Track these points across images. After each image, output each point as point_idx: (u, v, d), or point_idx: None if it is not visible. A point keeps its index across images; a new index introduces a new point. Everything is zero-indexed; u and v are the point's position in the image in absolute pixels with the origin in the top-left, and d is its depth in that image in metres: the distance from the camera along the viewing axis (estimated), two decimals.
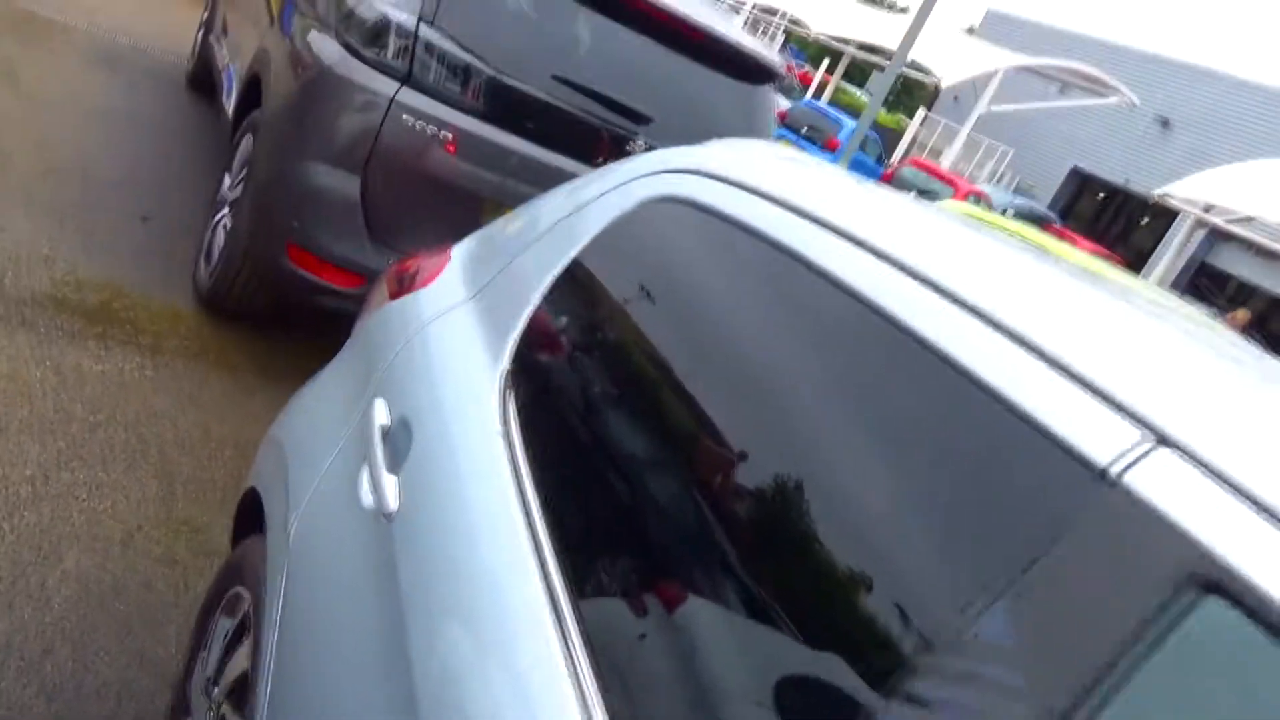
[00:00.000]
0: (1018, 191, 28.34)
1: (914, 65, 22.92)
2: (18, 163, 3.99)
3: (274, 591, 1.46)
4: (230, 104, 4.18)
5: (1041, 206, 25.16)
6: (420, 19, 3.05)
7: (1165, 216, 25.01)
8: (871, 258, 1.06)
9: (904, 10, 53.16)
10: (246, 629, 1.65)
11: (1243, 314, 17.03)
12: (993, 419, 0.82)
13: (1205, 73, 28.28)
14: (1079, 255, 6.79)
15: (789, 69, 30.39)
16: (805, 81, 29.96)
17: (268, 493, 1.61)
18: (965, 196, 16.85)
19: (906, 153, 24.35)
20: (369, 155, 3.04)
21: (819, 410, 1.04)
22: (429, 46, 3.05)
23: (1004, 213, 16.17)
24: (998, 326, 0.88)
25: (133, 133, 4.95)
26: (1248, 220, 17.13)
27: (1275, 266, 25.41)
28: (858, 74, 44.73)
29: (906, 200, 1.39)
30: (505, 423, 1.22)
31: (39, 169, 4.03)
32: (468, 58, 3.07)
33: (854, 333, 1.04)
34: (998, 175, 30.40)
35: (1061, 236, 14.79)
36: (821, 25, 25.21)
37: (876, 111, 9.73)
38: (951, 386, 0.86)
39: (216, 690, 1.68)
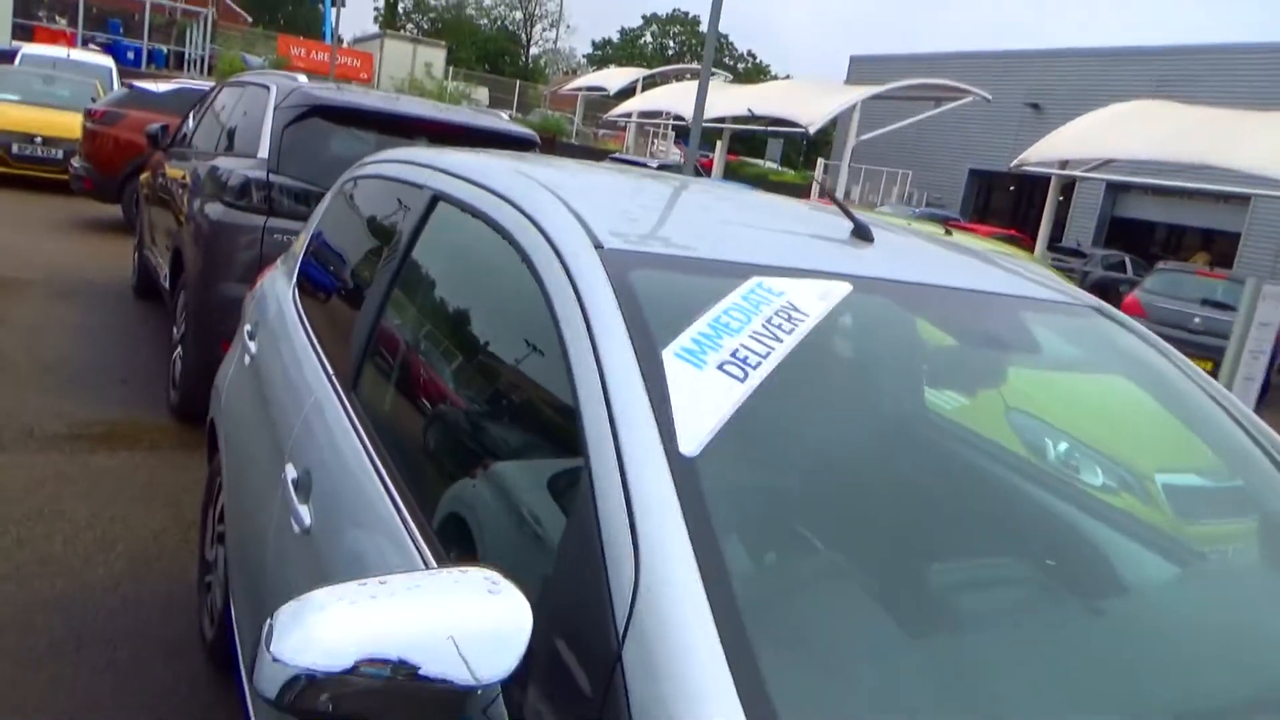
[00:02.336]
0: (929, 205, 30.34)
1: (792, 124, 24.96)
2: (22, 368, 5.35)
3: (220, 451, 2.74)
4: (166, 282, 5.59)
5: (945, 212, 27.07)
6: (268, 171, 4.48)
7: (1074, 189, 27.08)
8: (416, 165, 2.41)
9: (787, 77, 56.63)
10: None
11: (1203, 256, 18.80)
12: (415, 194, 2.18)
13: (1057, 53, 30.80)
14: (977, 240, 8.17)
15: (696, 160, 32.68)
16: (707, 166, 32.23)
17: (213, 408, 2.91)
18: None
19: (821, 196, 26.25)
20: (259, 267, 4.42)
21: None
22: (279, 187, 4.48)
23: (908, 223, 17.83)
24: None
25: (99, 334, 6.34)
26: (1107, 164, 18.73)
27: (1176, 203, 27.23)
28: (761, 147, 47.53)
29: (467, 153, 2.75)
30: (295, 303, 2.55)
31: (38, 369, 5.40)
32: (307, 186, 4.49)
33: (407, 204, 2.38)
34: (906, 196, 32.47)
35: (962, 229, 16.41)
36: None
37: (694, 156, 11.58)
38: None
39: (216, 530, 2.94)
